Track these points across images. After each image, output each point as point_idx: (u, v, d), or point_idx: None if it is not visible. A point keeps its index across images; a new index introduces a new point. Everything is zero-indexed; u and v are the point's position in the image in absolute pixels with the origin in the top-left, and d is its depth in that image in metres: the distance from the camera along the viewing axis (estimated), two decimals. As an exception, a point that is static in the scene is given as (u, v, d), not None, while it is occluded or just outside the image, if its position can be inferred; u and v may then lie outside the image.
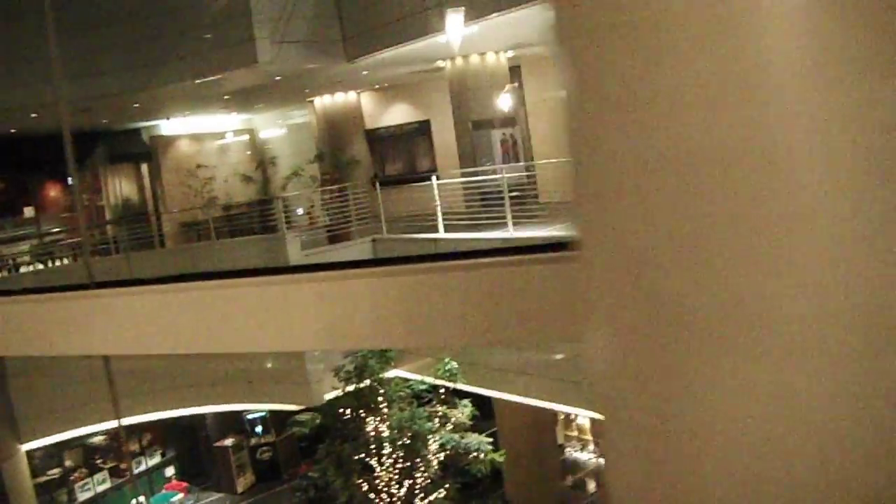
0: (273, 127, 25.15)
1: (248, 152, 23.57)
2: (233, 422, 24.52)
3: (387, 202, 18.53)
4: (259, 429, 24.94)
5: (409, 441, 15.55)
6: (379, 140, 23.13)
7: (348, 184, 20.03)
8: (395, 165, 22.95)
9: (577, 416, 25.54)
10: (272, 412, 24.53)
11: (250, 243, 17.94)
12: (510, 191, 17.37)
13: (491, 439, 16.11)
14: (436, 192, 16.56)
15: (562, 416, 25.10)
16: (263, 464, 24.85)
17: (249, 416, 24.57)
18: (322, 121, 22.94)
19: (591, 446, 25.41)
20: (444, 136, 22.19)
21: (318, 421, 26.00)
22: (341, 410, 15.98)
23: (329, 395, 17.03)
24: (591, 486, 23.59)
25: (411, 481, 15.92)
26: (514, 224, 15.40)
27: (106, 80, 16.67)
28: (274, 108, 24.19)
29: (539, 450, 21.57)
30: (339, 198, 19.22)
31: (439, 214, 16.67)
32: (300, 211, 20.26)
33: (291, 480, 24.22)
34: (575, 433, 25.76)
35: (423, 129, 22.52)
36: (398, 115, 23.07)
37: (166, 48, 16.18)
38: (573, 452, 25.03)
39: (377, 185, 18.03)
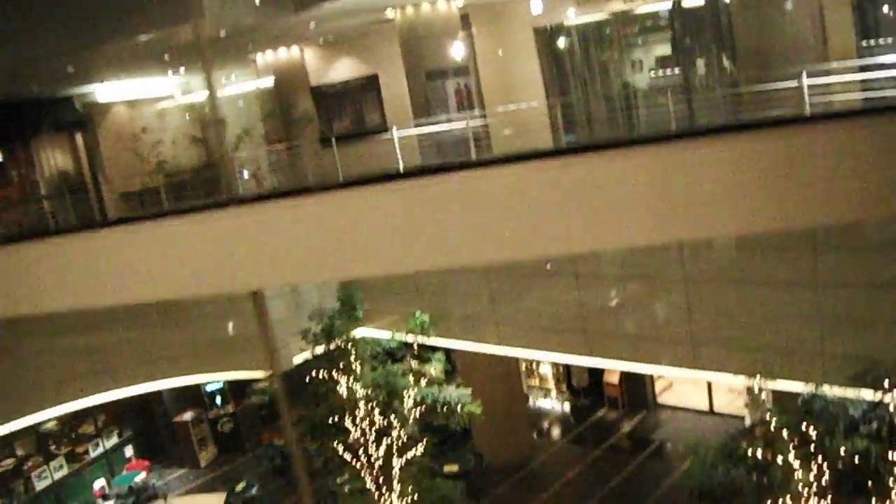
0: (216, 88, 24.23)
1: (191, 115, 22.73)
2: (191, 395, 23.89)
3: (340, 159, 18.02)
4: (218, 400, 24.36)
5: (385, 399, 15.22)
6: (325, 97, 22.48)
7: (295, 143, 19.48)
8: (343, 122, 22.36)
9: (539, 364, 25.62)
10: (230, 383, 24.05)
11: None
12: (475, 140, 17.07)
13: (470, 390, 15.85)
14: (396, 143, 16.08)
15: (524, 366, 25.14)
16: (225, 436, 24.34)
17: (208, 389, 23.97)
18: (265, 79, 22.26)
19: (554, 394, 25.51)
20: (394, 90, 21.64)
21: (277, 388, 25.75)
22: (313, 373, 15.50)
23: (297, 359, 16.61)
24: (556, 433, 23.71)
25: (388, 439, 15.63)
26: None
27: (34, 42, 15.68)
28: (217, 68, 23.29)
29: (507, 401, 21.52)
30: (287, 157, 18.65)
31: (401, 167, 16.21)
32: (245, 174, 19.58)
33: (255, 450, 23.83)
34: (537, 382, 25.82)
35: (371, 84, 21.94)
36: (344, 70, 22.43)
37: (102, 2, 15.25)
38: (537, 401, 25.06)
39: (334, 142, 17.45)
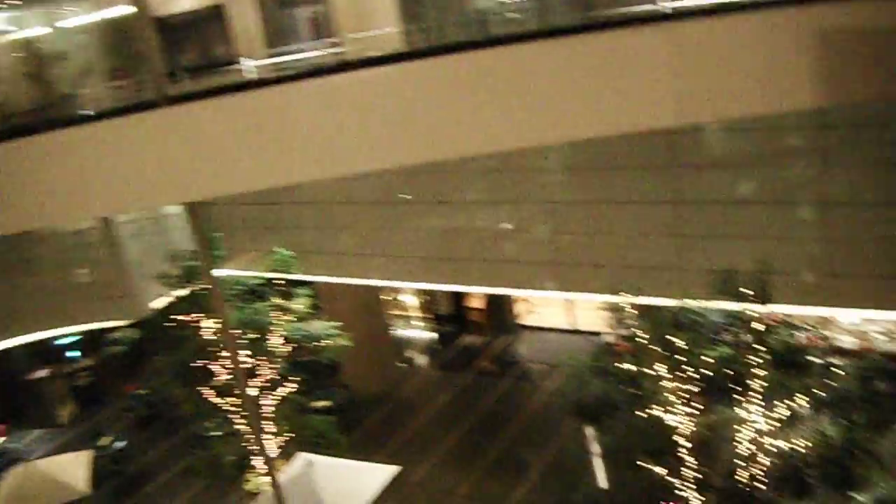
0: (49, 23, 22.74)
1: (23, 53, 21.29)
2: (44, 350, 22.81)
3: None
4: (74, 354, 23.40)
5: (254, 337, 14.93)
6: (170, 29, 21.41)
7: (140, 77, 18.52)
8: (190, 55, 21.40)
9: (398, 294, 25.68)
10: (85, 334, 23.10)
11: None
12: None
13: (339, 323, 15.70)
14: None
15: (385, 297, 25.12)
16: (84, 390, 23.44)
17: (61, 342, 22.94)
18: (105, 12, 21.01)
19: (418, 322, 25.67)
20: (243, 21, 20.85)
21: (135, 336, 24.90)
22: (176, 317, 15.01)
23: (157, 304, 16.06)
24: (422, 361, 23.92)
25: (257, 380, 15.39)
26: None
27: None
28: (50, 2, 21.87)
29: (371, 332, 21.53)
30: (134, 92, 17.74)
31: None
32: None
33: (118, 402, 23.09)
34: (400, 312, 25.87)
35: (217, 14, 21.02)
36: (189, 0, 21.42)
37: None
38: (401, 331, 25.14)
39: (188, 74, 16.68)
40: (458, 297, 24.56)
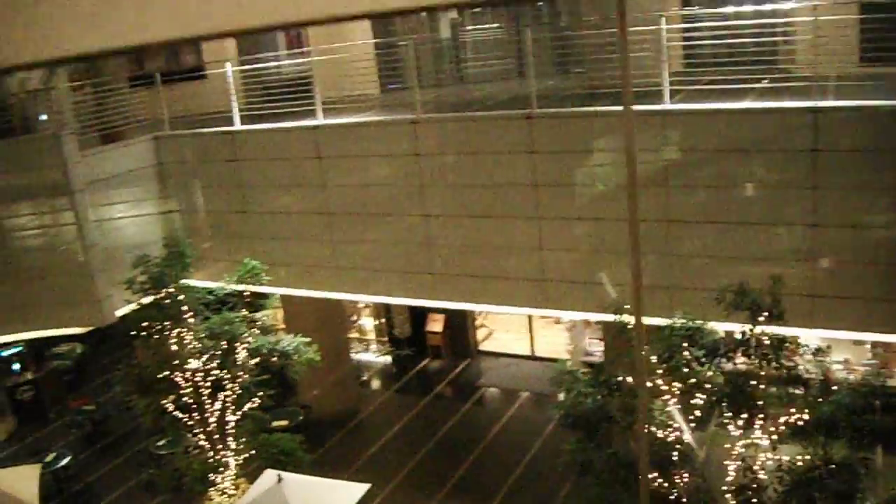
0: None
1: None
2: (-18, 363, 21.91)
3: (153, 102, 16.99)
4: (16, 366, 22.47)
5: (224, 348, 14.46)
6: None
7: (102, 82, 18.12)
8: (155, 62, 20.94)
9: (359, 316, 25.36)
10: (28, 347, 22.31)
11: (20, 145, 15.63)
12: (300, 80, 16.46)
13: (309, 339, 15.30)
14: (231, 81, 15.29)
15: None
16: (25, 405, 22.47)
17: (2, 354, 22.01)
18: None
19: (374, 346, 25.33)
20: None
21: (79, 351, 24.12)
22: (145, 324, 14.45)
23: (121, 312, 15.48)
24: (382, 384, 23.58)
25: (224, 393, 14.91)
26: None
27: None
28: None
29: (333, 352, 21.08)
30: (96, 98, 17.31)
31: (235, 106, 15.42)
32: (44, 116, 17.94)
33: (61, 418, 22.22)
34: (356, 335, 25.49)
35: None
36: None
37: None
38: (358, 354, 24.75)
39: (158, 80, 16.29)
40: (417, 321, 24.31)
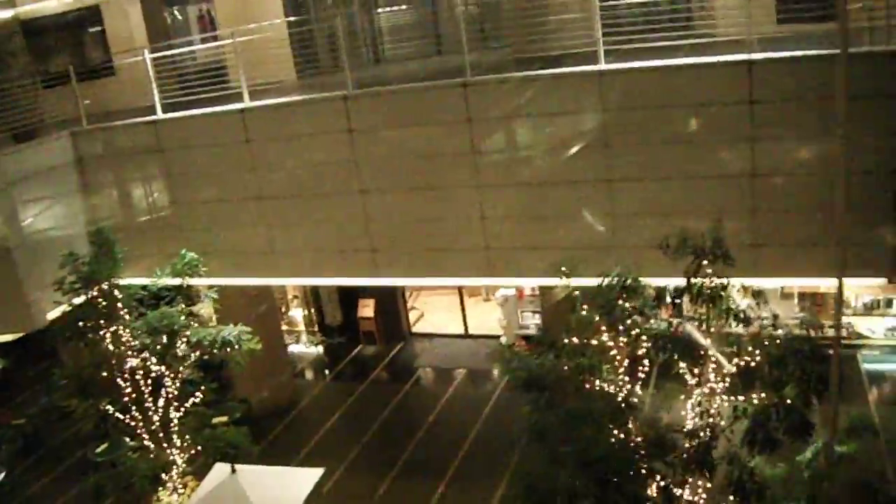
0: None
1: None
2: None
3: (65, 99, 16.47)
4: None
5: (165, 343, 14.12)
6: (38, 32, 20.21)
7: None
8: (61, 59, 20.25)
9: (288, 308, 25.13)
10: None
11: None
12: (215, 69, 16.19)
13: (250, 329, 15.04)
14: (150, 71, 14.89)
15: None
16: (-55, 423, 21.59)
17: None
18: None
19: (304, 337, 25.13)
20: (119, 23, 19.96)
21: (2, 366, 23.25)
22: (80, 324, 13.99)
23: (51, 314, 14.96)
24: (318, 373, 23.42)
25: (166, 390, 14.59)
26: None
27: None
28: None
29: (267, 344, 20.74)
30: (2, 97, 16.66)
31: (156, 95, 15.03)
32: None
33: (-12, 435, 21.42)
34: (286, 326, 25.20)
35: (94, 16, 19.98)
36: (59, 1, 20.25)
37: None
38: (289, 345, 24.47)
39: (73, 75, 15.74)
40: (347, 308, 24.18)
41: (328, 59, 18.76)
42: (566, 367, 10.22)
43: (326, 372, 23.23)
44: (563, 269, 10.67)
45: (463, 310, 23.73)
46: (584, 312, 10.18)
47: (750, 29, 10.90)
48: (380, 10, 20.05)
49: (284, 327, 24.95)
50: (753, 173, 11.11)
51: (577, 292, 10.55)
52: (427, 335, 24.26)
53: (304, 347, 24.75)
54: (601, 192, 11.95)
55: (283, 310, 25.02)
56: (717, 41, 11.74)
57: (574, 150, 12.04)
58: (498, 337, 22.99)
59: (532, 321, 22.59)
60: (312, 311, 24.98)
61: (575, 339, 10.34)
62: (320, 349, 24.48)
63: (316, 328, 25.05)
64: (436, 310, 25.17)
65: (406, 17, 19.69)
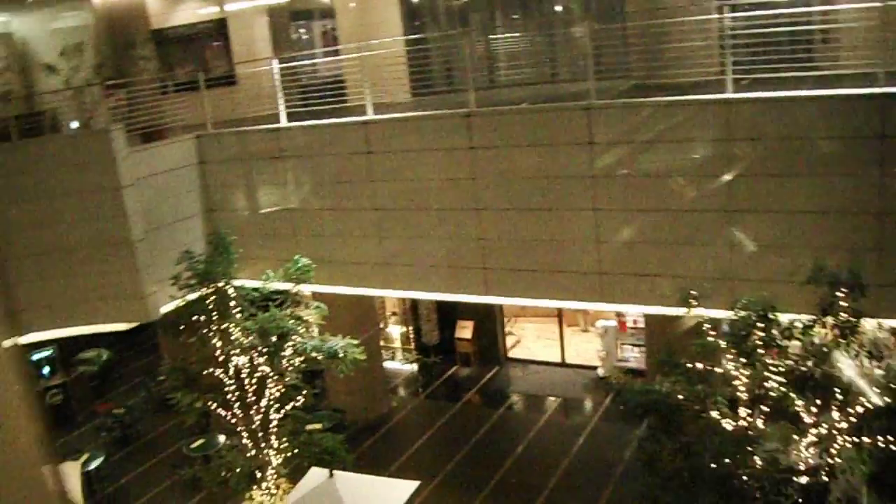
0: (40, 28, 22.04)
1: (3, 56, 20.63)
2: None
3: (192, 105, 17.01)
4: (46, 370, 22.39)
5: (274, 344, 14.35)
6: (168, 42, 21.03)
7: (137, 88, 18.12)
8: (187, 69, 21.00)
9: (385, 324, 25.28)
10: (60, 352, 22.29)
11: (65, 141, 15.63)
12: (336, 83, 16.51)
13: (363, 337, 15.20)
14: (277, 80, 15.29)
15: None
16: (54, 408, 22.38)
17: (34, 357, 21.96)
18: (102, 21, 20.49)
19: (399, 354, 25.26)
20: (244, 36, 20.60)
21: (104, 357, 24.05)
22: (194, 318, 14.34)
23: (165, 308, 15.38)
24: (412, 390, 23.49)
25: (269, 391, 14.80)
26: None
27: None
28: (43, 7, 21.27)
29: (366, 356, 21.01)
30: (130, 101, 17.29)
31: (282, 104, 15.42)
32: (75, 124, 17.96)
33: (89, 422, 22.13)
34: (383, 342, 25.39)
35: (220, 29, 20.70)
36: (189, 13, 21.06)
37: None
38: (384, 361, 24.61)
39: (202, 82, 16.29)
40: (445, 328, 24.25)
41: (442, 81, 19.04)
42: (680, 396, 10.06)
43: (420, 390, 23.28)
44: (691, 295, 10.58)
45: (561, 337, 23.56)
46: (709, 339, 10.00)
47: (884, 61, 10.61)
48: (497, 35, 20.24)
49: (381, 343, 25.19)
50: (883, 210, 10.77)
51: (704, 320, 10.44)
52: (523, 361, 24.14)
53: (399, 364, 24.89)
54: (721, 221, 11.74)
55: (381, 325, 25.21)
56: (843, 73, 11.48)
57: (693, 178, 11.88)
58: (595, 368, 22.76)
59: (631, 354, 22.29)
60: (410, 328, 25.12)
61: (699, 365, 10.20)
62: (415, 367, 24.59)
63: (411, 346, 25.16)
64: (532, 336, 25.07)
65: (522, 44, 19.82)
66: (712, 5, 13.50)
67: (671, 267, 12.18)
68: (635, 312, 21.14)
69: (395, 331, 25.53)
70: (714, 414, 10.02)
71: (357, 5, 19.86)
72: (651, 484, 9.92)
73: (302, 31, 20.00)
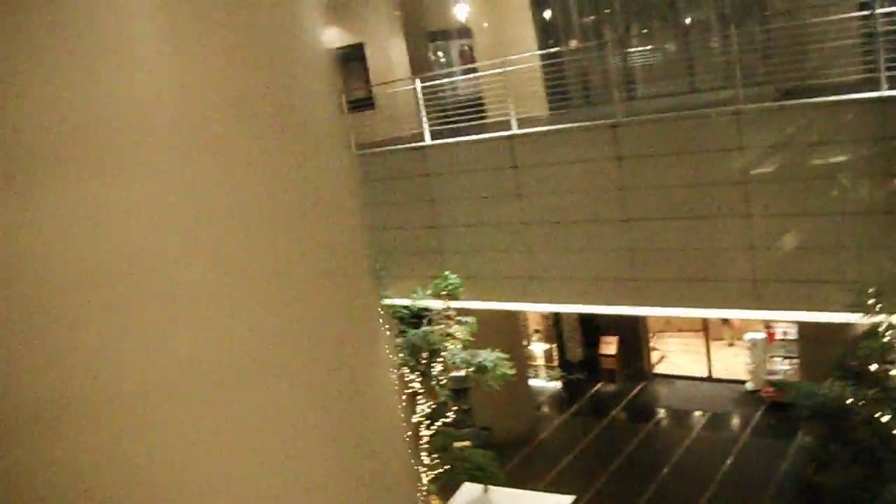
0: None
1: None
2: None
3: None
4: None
5: (426, 361, 14.54)
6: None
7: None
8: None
9: (529, 342, 25.24)
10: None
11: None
12: (476, 100, 16.68)
13: (508, 354, 15.20)
14: (420, 97, 15.57)
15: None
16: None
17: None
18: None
19: (543, 372, 25.14)
20: (380, 59, 21.05)
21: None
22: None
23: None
24: (557, 407, 23.35)
25: (421, 407, 14.97)
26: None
27: None
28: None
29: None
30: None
31: (425, 122, 15.69)
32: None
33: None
34: (526, 360, 25.32)
35: (357, 53, 21.24)
36: (327, 39, 21.62)
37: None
38: (528, 379, 24.56)
39: (344, 106, 16.81)
40: (589, 345, 24.04)
41: (579, 95, 18.97)
42: (851, 399, 9.67)
43: (565, 407, 23.10)
44: (870, 296, 10.15)
45: (708, 351, 23.01)
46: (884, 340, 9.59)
47: None
48: (634, 49, 20.03)
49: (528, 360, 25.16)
50: None
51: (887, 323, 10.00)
52: (669, 376, 23.67)
53: (544, 382, 24.78)
54: (880, 225, 11.25)
55: (525, 343, 25.17)
56: None
57: (850, 180, 11.44)
58: (743, 382, 22.11)
59: (781, 366, 21.55)
60: (553, 346, 25.00)
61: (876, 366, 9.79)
62: (559, 384, 24.42)
63: (556, 363, 25.02)
64: (678, 351, 24.58)
65: (660, 56, 19.57)
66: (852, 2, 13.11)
67: (827, 271, 11.74)
68: (786, 323, 20.49)
69: (539, 348, 25.42)
70: (885, 419, 9.58)
71: (492, 24, 20.05)
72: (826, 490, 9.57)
73: (440, 52, 20.30)
